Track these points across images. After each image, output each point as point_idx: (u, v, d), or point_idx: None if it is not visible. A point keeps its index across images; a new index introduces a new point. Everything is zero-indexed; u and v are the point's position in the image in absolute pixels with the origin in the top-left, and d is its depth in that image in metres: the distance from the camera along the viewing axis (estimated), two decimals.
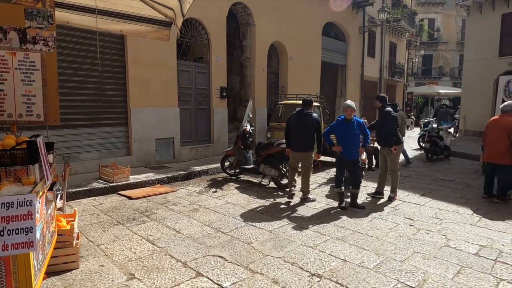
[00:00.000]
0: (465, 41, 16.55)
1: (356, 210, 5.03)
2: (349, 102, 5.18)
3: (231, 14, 10.07)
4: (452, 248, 3.74)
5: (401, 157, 7.14)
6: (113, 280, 2.94)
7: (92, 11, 3.58)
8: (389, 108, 5.57)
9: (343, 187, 5.21)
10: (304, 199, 5.43)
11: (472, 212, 5.02)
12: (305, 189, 5.46)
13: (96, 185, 5.86)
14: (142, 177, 6.56)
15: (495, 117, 5.74)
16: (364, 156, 6.70)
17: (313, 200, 5.45)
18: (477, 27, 14.99)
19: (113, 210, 4.89)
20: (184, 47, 8.69)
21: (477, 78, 14.73)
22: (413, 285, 2.93)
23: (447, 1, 28.96)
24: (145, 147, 7.71)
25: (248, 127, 6.93)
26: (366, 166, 7.75)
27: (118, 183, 5.98)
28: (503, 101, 10.23)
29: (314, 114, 5.36)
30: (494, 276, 3.12)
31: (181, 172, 7.08)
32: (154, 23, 4.23)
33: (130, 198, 5.51)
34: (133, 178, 6.34)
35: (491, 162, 5.63)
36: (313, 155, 5.57)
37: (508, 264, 3.37)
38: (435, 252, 3.62)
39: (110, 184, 5.91)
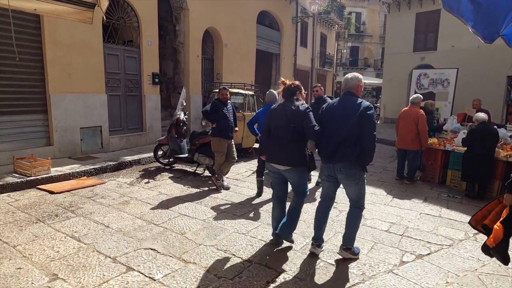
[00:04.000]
0: (386, 35, 18.06)
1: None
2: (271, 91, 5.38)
3: None
4: (368, 226, 4.18)
5: None
6: (32, 283, 2.75)
7: None
8: (329, 100, 5.93)
9: (263, 177, 5.34)
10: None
11: (386, 193, 5.64)
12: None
13: (10, 179, 5.30)
14: (65, 169, 6.09)
15: (406, 108, 6.44)
16: None
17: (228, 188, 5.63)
18: (395, 23, 16.42)
19: (31, 207, 4.49)
20: (111, 29, 8.12)
21: (395, 71, 16.24)
22: (333, 263, 3.24)
23: None
24: (68, 137, 7.14)
25: (182, 116, 6.81)
26: None
27: (37, 177, 5.49)
28: (415, 92, 11.47)
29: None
30: (400, 249, 3.59)
31: (110, 163, 6.73)
32: (75, 3, 3.91)
33: (52, 192, 5.10)
34: (55, 171, 5.86)
35: (402, 148, 6.33)
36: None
37: (412, 237, 3.89)
38: None
39: (28, 178, 5.39)
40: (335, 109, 3.20)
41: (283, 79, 3.62)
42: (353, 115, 3.01)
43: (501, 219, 2.42)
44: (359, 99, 3.12)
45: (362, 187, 3.22)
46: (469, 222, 2.72)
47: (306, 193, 3.59)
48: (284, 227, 3.46)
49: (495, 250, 2.42)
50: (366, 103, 3.06)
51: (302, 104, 3.37)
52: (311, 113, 3.31)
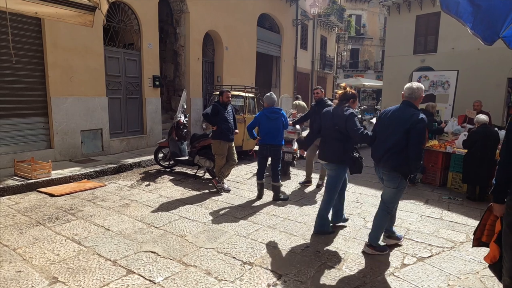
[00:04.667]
0: (386, 38, 18.08)
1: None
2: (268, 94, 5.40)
3: None
4: (369, 229, 4.14)
5: None
6: (33, 286, 2.74)
7: None
8: (331, 102, 5.93)
9: (263, 179, 5.35)
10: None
11: None
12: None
13: (11, 182, 5.30)
14: (66, 172, 6.09)
15: None
16: (296, 146, 7.04)
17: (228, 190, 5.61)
18: (395, 26, 16.44)
19: (32, 210, 4.49)
20: (112, 32, 8.14)
21: (396, 73, 16.24)
22: (334, 266, 3.23)
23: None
24: (69, 139, 7.14)
25: (182, 118, 6.81)
26: (298, 155, 8.15)
27: (38, 180, 5.49)
28: None
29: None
30: (401, 252, 3.57)
31: (111, 165, 6.73)
32: (76, 6, 3.91)
33: (52, 195, 5.10)
34: (55, 174, 5.86)
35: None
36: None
37: (413, 240, 3.88)
38: (355, 234, 4.01)
39: (28, 181, 5.39)
40: (390, 116, 3.38)
41: (344, 84, 3.97)
42: (404, 125, 3.18)
43: (495, 236, 2.40)
44: (414, 110, 3.24)
45: (398, 194, 3.43)
46: (473, 246, 2.74)
47: (335, 190, 3.90)
48: (334, 216, 4.13)
49: (492, 268, 2.43)
50: (418, 115, 3.16)
51: (347, 109, 3.71)
52: (355, 117, 3.66)
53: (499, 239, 2.33)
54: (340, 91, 3.88)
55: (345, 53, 29.58)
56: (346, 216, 4.37)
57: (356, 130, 3.61)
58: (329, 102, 5.92)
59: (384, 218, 3.51)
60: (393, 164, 3.26)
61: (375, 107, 17.91)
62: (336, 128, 3.74)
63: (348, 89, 3.84)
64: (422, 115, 3.17)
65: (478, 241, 2.63)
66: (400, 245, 3.70)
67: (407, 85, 3.37)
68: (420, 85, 3.34)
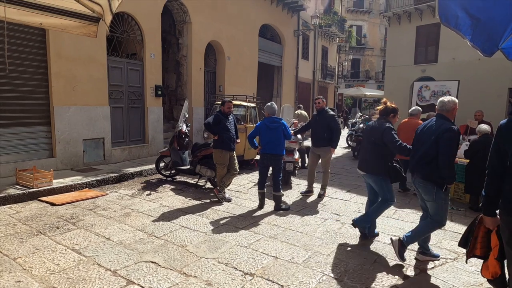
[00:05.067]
0: (386, 48, 18.21)
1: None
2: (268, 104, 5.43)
3: (167, 10, 9.81)
4: (371, 239, 4.13)
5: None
6: None
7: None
8: (332, 112, 5.96)
9: (265, 189, 5.33)
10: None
11: None
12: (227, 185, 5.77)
13: (12, 191, 5.31)
14: (67, 181, 6.10)
15: (405, 119, 6.49)
16: (297, 155, 7.03)
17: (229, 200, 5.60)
18: (396, 36, 16.59)
19: (33, 219, 4.48)
20: (115, 43, 8.24)
21: (397, 83, 16.31)
22: (336, 277, 3.20)
23: (372, 10, 31.50)
24: (71, 148, 7.17)
25: (184, 128, 6.83)
26: (299, 164, 8.14)
27: (39, 189, 5.49)
28: (417, 104, 11.49)
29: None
30: (404, 263, 3.53)
31: (112, 175, 6.73)
32: (80, 17, 3.96)
33: (53, 204, 5.09)
34: (57, 183, 5.87)
35: (404, 158, 6.30)
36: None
37: (415, 251, 3.83)
38: (357, 244, 3.98)
39: (30, 190, 5.39)
40: (424, 128, 3.50)
41: (385, 99, 4.08)
42: (432, 135, 3.29)
43: (495, 253, 2.37)
44: (444, 121, 3.30)
45: (439, 206, 3.35)
46: (466, 261, 2.79)
47: (388, 200, 3.93)
48: (360, 218, 4.07)
49: (492, 283, 2.41)
50: (447, 126, 3.22)
51: (384, 123, 3.86)
52: (391, 130, 3.80)
53: (500, 256, 2.30)
54: (380, 106, 4.01)
55: (346, 63, 29.81)
56: (349, 226, 4.35)
57: (394, 143, 3.74)
58: (331, 112, 5.94)
59: (430, 228, 3.48)
60: (423, 173, 3.34)
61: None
62: (372, 140, 3.92)
63: (388, 104, 3.96)
64: (451, 126, 3.22)
65: (471, 255, 2.61)
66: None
67: (440, 99, 3.50)
68: (451, 98, 3.42)
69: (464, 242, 2.76)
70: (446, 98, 3.42)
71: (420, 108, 6.52)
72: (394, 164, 3.91)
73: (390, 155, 3.91)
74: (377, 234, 4.21)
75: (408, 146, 3.72)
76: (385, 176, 3.87)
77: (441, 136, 3.20)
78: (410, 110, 6.43)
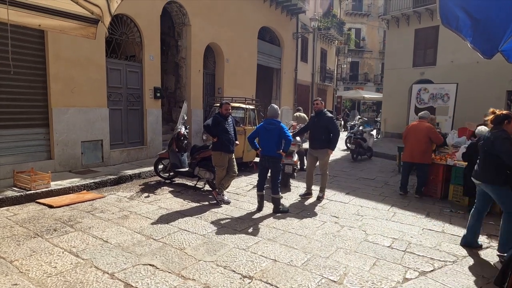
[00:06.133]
0: (385, 51, 18.26)
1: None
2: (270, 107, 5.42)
3: (166, 12, 9.81)
4: (370, 242, 4.12)
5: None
6: None
7: (3, 1, 3.23)
8: (329, 114, 5.95)
9: (263, 191, 5.31)
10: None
11: (388, 208, 5.58)
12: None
13: (9, 193, 5.27)
14: (65, 183, 6.07)
15: (414, 122, 6.56)
16: (296, 158, 7.02)
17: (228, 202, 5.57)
18: (395, 39, 16.64)
19: (30, 221, 4.45)
20: (114, 44, 8.23)
21: (395, 85, 16.35)
22: (335, 280, 3.18)
23: (371, 13, 31.59)
24: (69, 150, 7.14)
25: (183, 130, 6.82)
26: (298, 167, 8.13)
27: (37, 191, 5.46)
28: (416, 107, 11.53)
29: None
30: (403, 266, 3.52)
31: (111, 177, 6.70)
32: (79, 19, 3.96)
33: (51, 206, 5.06)
34: (54, 185, 5.84)
35: (411, 161, 6.31)
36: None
37: (415, 254, 3.83)
38: (356, 247, 3.96)
39: (27, 192, 5.36)
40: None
41: (492, 109, 3.90)
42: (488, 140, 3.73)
43: None
44: (497, 131, 3.68)
45: (508, 199, 3.67)
46: None
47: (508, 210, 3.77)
48: (501, 243, 3.80)
49: None
50: (498, 134, 3.63)
51: (497, 132, 3.74)
52: (504, 141, 3.64)
53: None
54: (490, 117, 3.84)
55: (345, 66, 29.83)
56: (348, 228, 4.31)
57: (505, 152, 3.60)
58: (329, 114, 5.93)
59: (510, 220, 3.67)
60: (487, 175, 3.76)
61: (375, 119, 17.96)
62: (485, 150, 3.86)
63: (497, 111, 3.81)
64: (499, 133, 3.60)
65: None
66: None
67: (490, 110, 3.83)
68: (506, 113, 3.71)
69: (500, 279, 2.69)
70: (497, 111, 3.71)
71: (429, 113, 6.73)
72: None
73: (502, 164, 3.72)
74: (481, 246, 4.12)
75: None
76: (502, 185, 3.72)
77: (493, 141, 3.55)
78: (420, 113, 6.62)
